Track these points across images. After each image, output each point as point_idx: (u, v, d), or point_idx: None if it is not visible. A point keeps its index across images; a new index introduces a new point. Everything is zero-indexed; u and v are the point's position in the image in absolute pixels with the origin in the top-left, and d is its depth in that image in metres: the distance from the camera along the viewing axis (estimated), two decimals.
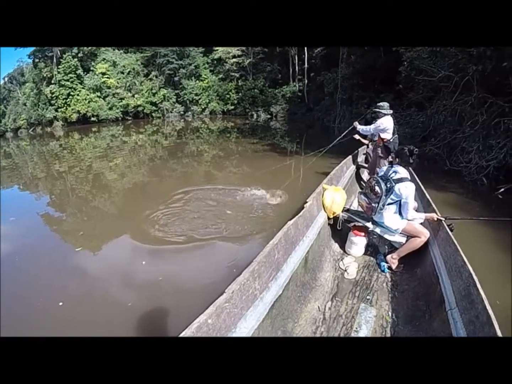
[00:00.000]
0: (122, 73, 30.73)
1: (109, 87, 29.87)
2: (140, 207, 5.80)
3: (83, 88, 28.09)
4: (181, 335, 1.26)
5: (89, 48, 26.89)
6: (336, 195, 3.34)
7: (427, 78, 10.16)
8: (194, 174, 8.98)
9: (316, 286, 2.67)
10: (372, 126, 4.85)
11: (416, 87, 11.81)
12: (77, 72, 27.51)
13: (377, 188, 2.88)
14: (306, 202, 3.02)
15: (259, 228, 4.44)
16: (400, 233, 2.90)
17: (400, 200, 2.83)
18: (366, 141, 5.90)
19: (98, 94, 29.19)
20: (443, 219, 2.78)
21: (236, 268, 3.30)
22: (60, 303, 2.97)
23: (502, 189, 6.31)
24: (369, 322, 2.30)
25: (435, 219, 2.82)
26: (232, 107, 33.05)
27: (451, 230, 2.60)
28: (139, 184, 7.67)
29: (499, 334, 1.39)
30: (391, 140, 4.82)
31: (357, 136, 6.00)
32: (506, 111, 7.27)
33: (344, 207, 3.39)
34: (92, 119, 28.24)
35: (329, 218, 3.33)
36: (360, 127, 5.16)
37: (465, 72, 8.45)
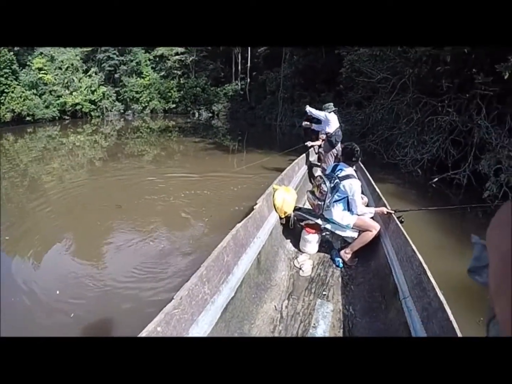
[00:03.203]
0: (60, 68, 28.05)
1: (46, 84, 27.04)
2: (77, 214, 5.38)
3: (18, 84, 25.03)
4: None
5: None
6: (286, 195, 3.30)
7: (367, 79, 10.75)
8: (135, 176, 8.46)
9: (272, 286, 2.61)
10: (322, 113, 5.18)
11: (355, 87, 12.44)
12: (12, 67, 24.23)
13: (323, 186, 2.92)
14: (256, 204, 2.93)
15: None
16: (352, 228, 2.95)
17: (347, 197, 2.90)
18: (319, 142, 5.98)
19: (34, 91, 26.15)
20: (393, 212, 2.86)
21: None
22: None
23: (436, 179, 7.00)
24: (327, 317, 2.30)
25: (385, 212, 2.90)
26: (174, 105, 32.01)
27: (401, 222, 2.68)
28: (77, 190, 7.00)
29: (452, 318, 1.44)
30: (333, 134, 5.13)
31: (309, 143, 6.18)
32: (439, 109, 7.99)
33: (295, 206, 3.36)
34: (28, 118, 25.14)
35: (281, 218, 3.28)
36: (309, 109, 5.38)
37: (402, 74, 9.12)
